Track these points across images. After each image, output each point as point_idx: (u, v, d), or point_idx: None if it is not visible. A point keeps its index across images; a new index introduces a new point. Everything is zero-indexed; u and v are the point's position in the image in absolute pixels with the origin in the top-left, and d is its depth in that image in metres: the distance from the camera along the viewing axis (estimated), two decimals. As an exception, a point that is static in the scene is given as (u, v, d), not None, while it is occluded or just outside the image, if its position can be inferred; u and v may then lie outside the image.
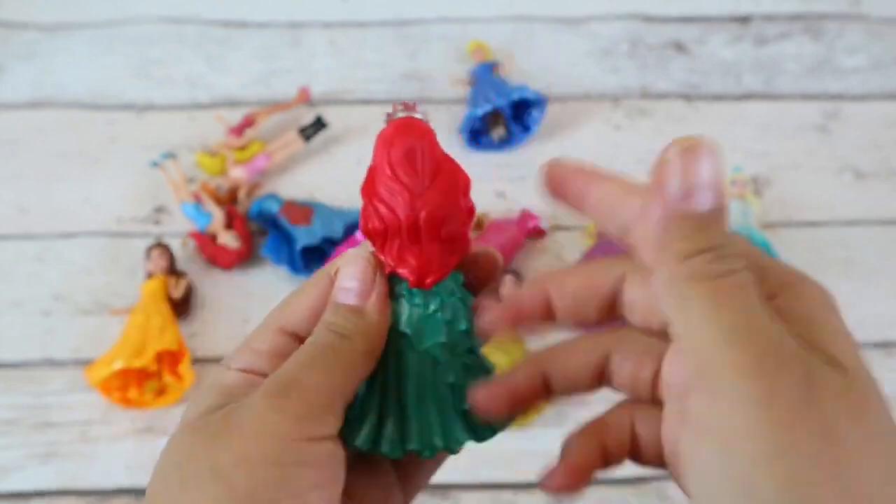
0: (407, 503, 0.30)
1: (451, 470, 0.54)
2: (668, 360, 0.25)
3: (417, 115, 0.27)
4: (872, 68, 0.79)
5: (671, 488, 0.53)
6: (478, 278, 0.29)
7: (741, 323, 0.21)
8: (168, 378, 0.56)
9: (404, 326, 0.27)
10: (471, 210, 0.28)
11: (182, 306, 0.60)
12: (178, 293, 0.60)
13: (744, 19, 0.84)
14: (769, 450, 0.20)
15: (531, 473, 0.57)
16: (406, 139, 0.26)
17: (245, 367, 0.27)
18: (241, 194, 0.67)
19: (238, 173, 0.68)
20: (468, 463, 0.54)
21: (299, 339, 0.27)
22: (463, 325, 0.27)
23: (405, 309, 0.27)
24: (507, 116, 0.71)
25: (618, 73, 0.79)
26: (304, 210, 0.64)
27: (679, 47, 0.81)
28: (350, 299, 0.27)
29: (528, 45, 0.81)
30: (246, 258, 0.63)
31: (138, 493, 0.53)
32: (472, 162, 0.65)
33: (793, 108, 0.76)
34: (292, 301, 0.28)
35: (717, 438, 0.21)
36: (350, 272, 0.27)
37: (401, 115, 0.27)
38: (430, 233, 0.27)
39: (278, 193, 0.67)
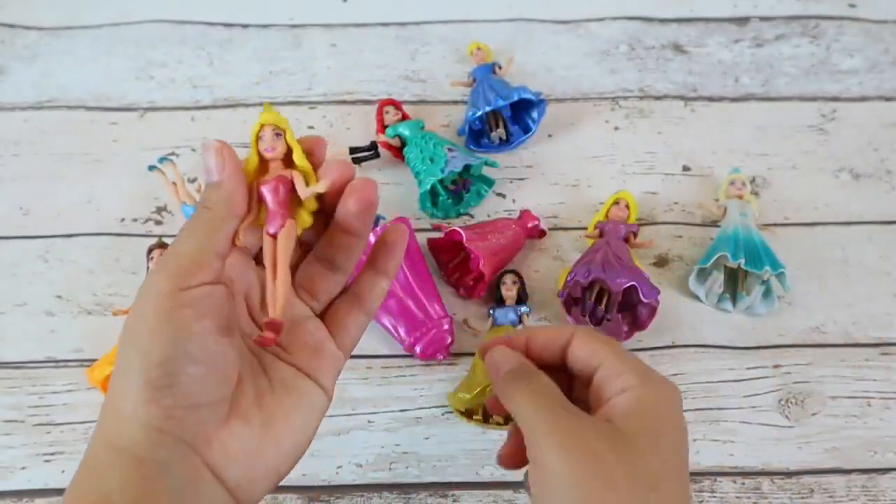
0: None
1: (451, 470, 0.54)
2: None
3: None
4: (869, 70, 0.80)
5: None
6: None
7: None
8: (170, 377, 0.57)
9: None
10: None
11: (184, 306, 0.61)
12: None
13: (742, 20, 0.84)
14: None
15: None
16: None
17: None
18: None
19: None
20: (468, 462, 0.55)
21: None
22: None
23: None
24: (506, 117, 0.72)
25: (617, 73, 0.79)
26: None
27: (677, 48, 0.81)
28: (211, 177, 0.34)
29: (528, 45, 0.81)
30: (247, 258, 0.64)
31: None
32: (472, 163, 0.65)
33: (790, 108, 0.77)
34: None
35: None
36: (207, 159, 0.34)
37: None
38: None
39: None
